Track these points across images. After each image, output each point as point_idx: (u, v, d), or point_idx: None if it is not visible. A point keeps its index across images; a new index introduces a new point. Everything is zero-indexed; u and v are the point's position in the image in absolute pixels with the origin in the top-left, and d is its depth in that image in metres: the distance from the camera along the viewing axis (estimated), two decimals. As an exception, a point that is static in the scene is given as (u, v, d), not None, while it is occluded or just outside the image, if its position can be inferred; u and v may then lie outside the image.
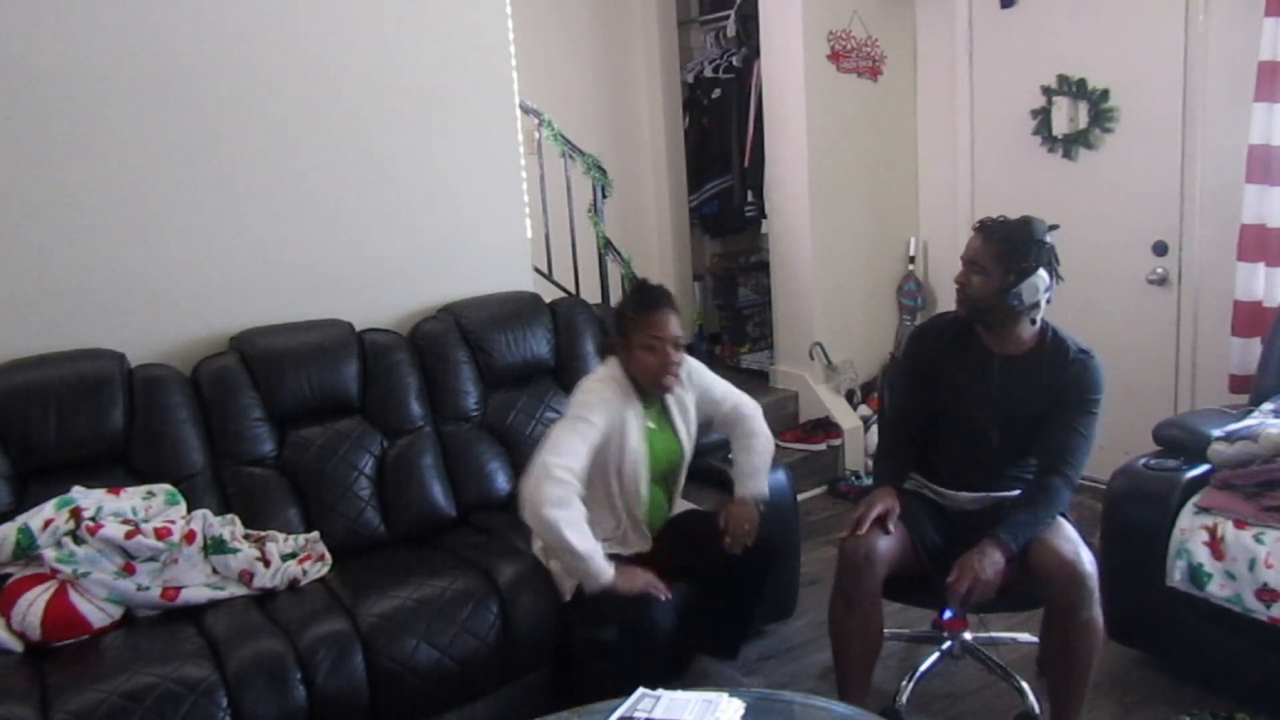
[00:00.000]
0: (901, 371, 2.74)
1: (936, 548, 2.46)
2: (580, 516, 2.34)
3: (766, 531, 2.60)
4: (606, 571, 2.33)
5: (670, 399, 2.66)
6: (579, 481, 2.37)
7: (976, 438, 2.51)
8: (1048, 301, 2.44)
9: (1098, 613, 2.30)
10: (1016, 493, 2.51)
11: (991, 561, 2.25)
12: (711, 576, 2.61)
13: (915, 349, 2.67)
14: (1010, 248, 2.40)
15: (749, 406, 2.77)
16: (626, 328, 2.55)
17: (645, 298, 2.58)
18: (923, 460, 2.63)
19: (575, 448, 2.39)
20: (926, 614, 2.91)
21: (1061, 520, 2.40)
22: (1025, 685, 2.62)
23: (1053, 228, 2.47)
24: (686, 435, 2.69)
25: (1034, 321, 2.46)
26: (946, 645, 2.79)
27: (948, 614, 2.24)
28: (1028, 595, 2.44)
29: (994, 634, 2.80)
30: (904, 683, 2.67)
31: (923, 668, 2.73)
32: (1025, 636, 2.85)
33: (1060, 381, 2.43)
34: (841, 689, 2.46)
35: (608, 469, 2.53)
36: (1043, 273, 2.39)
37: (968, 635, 2.77)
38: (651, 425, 2.62)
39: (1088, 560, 2.30)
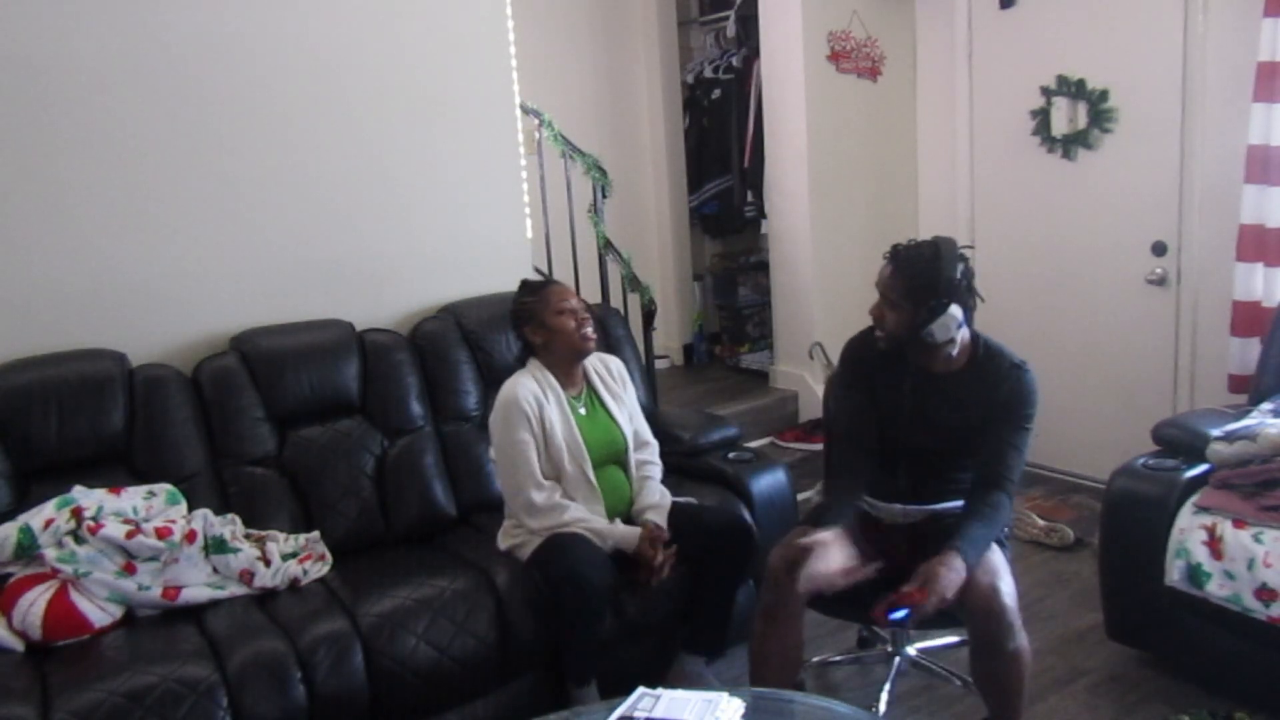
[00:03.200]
0: (841, 386, 2.61)
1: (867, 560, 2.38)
2: (572, 509, 2.57)
3: (740, 514, 2.69)
4: (631, 534, 2.56)
5: (600, 386, 2.76)
6: (549, 488, 2.58)
7: (909, 452, 2.45)
8: (966, 326, 2.38)
9: (1022, 641, 2.21)
10: (950, 505, 2.45)
11: (956, 578, 2.14)
12: (697, 560, 2.61)
13: (851, 360, 2.58)
14: (918, 284, 2.32)
15: (654, 441, 2.87)
16: (535, 312, 2.66)
17: (534, 283, 2.76)
18: None
19: (527, 469, 2.57)
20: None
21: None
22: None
23: (966, 248, 2.38)
24: (626, 421, 2.76)
25: (953, 352, 2.39)
26: (896, 661, 2.72)
27: (896, 615, 2.12)
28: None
29: (931, 643, 2.77)
30: (881, 695, 2.61)
31: (889, 683, 2.65)
32: (954, 639, 2.78)
33: (994, 396, 2.37)
34: None
35: (548, 463, 2.62)
36: (954, 310, 2.31)
37: (912, 650, 2.73)
38: (583, 412, 2.69)
39: (1006, 593, 2.20)
